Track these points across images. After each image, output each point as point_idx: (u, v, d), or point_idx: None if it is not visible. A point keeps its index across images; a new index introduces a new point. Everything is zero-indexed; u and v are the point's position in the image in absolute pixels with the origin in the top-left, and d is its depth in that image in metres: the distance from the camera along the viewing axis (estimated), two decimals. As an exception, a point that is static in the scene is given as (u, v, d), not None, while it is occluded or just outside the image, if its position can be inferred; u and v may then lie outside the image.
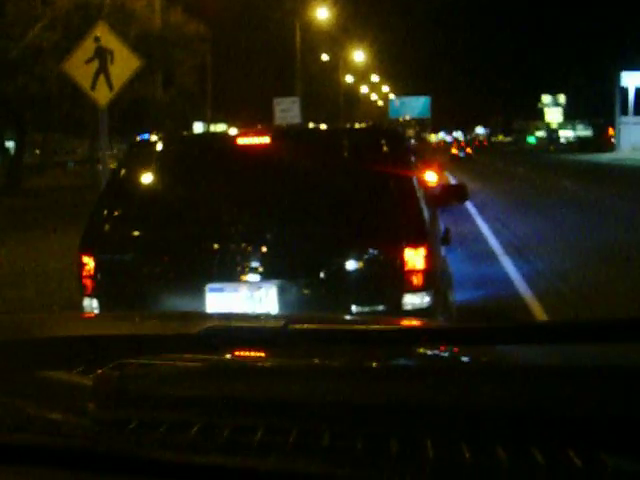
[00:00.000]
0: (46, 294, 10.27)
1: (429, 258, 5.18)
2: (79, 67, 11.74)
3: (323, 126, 7.22)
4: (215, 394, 1.51)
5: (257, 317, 2.83)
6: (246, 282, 5.20)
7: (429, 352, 1.94)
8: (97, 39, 11.66)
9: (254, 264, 5.21)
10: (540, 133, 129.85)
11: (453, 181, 25.09)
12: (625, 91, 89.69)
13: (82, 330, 2.43)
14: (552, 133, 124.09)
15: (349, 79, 74.15)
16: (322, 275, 5.24)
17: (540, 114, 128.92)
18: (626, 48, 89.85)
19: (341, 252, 5.28)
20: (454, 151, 74.51)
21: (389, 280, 5.24)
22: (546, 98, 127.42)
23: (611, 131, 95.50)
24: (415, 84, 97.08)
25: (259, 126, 6.75)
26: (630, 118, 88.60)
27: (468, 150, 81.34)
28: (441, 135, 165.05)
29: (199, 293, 5.19)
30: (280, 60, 45.83)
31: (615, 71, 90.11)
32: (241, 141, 5.86)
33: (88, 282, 5.42)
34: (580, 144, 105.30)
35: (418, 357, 1.93)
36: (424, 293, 5.17)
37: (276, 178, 5.68)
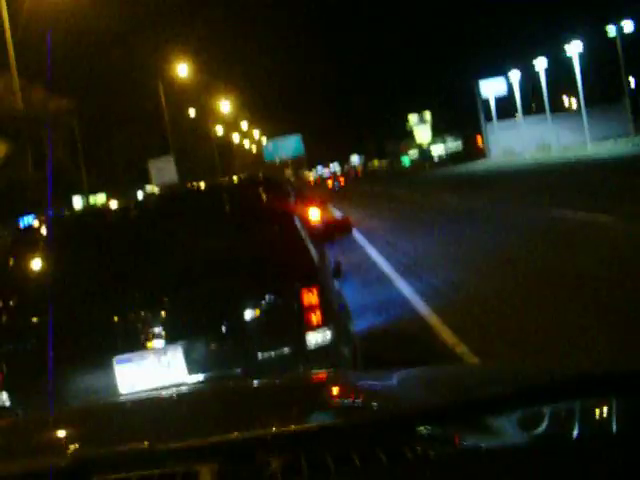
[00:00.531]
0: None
1: (323, 295, 5.37)
2: None
3: (202, 185, 7.51)
4: None
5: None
6: (152, 349, 5.25)
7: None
8: None
9: (156, 330, 5.25)
10: (413, 152, 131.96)
11: (337, 214, 25.36)
12: (486, 99, 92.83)
13: None
14: (424, 151, 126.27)
15: (220, 130, 74.43)
16: (224, 329, 5.34)
17: (410, 134, 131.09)
18: (480, 58, 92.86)
19: (238, 304, 5.39)
20: (329, 184, 75.87)
21: (289, 322, 5.36)
22: (413, 117, 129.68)
23: (479, 139, 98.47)
24: (286, 123, 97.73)
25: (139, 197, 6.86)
26: (495, 124, 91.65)
27: (341, 180, 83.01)
28: (319, 170, 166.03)
29: (108, 367, 5.23)
30: (151, 120, 45.82)
31: (473, 81, 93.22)
32: (132, 210, 6.14)
33: None
34: (452, 157, 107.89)
35: None
36: (324, 329, 5.32)
37: (164, 243, 5.83)
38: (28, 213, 35.26)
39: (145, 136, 44.37)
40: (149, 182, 28.49)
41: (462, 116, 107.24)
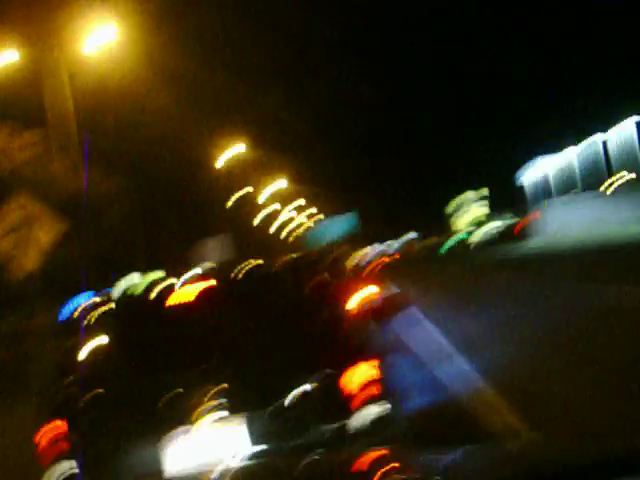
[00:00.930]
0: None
1: (380, 370, 5.67)
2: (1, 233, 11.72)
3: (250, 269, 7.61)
4: None
5: None
6: (214, 419, 5.54)
7: None
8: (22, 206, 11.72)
9: (219, 401, 5.52)
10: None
11: (394, 290, 24.96)
12: (544, 176, 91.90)
13: None
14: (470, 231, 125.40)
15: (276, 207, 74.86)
16: (282, 405, 5.59)
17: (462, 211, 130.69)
18: (538, 136, 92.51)
19: (293, 381, 5.65)
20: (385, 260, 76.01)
21: (348, 398, 5.59)
22: (469, 194, 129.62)
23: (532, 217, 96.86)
24: (341, 202, 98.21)
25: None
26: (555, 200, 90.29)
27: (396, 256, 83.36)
28: (377, 249, 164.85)
29: (163, 441, 5.56)
30: (206, 201, 46.33)
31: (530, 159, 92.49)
32: (189, 291, 6.35)
33: (63, 445, 5.69)
34: (501, 236, 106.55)
35: None
36: (383, 403, 5.56)
37: (214, 329, 6.15)
38: (82, 292, 35.71)
39: (201, 214, 44.83)
40: (205, 259, 28.57)
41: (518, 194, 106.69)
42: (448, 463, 2.55)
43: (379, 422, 5.50)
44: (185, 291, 6.39)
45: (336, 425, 5.57)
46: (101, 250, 30.26)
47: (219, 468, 4.72)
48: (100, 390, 5.95)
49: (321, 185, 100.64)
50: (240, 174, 55.88)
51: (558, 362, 11.42)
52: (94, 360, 6.30)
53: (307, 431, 5.53)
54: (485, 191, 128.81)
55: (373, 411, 5.54)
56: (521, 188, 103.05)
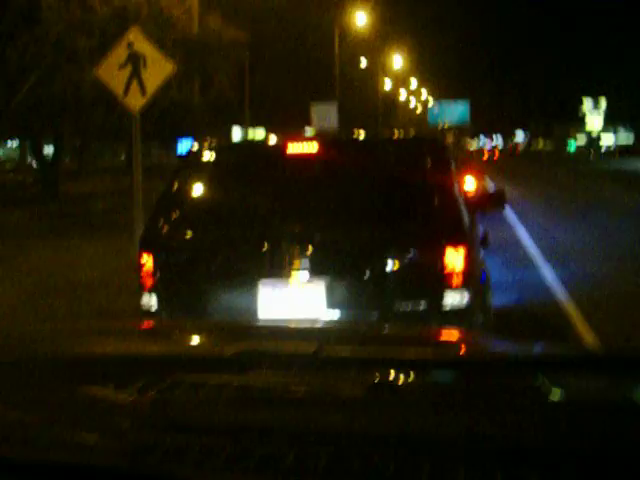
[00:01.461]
0: (83, 302, 10.26)
1: (468, 258, 5.46)
2: (112, 73, 11.69)
3: (367, 135, 7.55)
4: (245, 423, 1.59)
5: (292, 334, 2.87)
6: (296, 279, 5.56)
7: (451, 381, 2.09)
8: (130, 44, 11.59)
9: (304, 263, 5.54)
10: (581, 137, 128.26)
11: (492, 186, 24.67)
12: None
13: (116, 347, 2.49)
14: (593, 139, 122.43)
15: (387, 84, 73.86)
16: (367, 273, 5.58)
17: (581, 119, 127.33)
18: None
19: (383, 251, 5.61)
20: (485, 156, 76.47)
21: (430, 277, 5.53)
22: (587, 102, 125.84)
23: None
24: (453, 87, 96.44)
25: (304, 134, 7.31)
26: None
27: (496, 154, 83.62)
28: (481, 140, 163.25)
29: (252, 288, 5.58)
30: (318, 65, 45.72)
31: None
32: (290, 150, 6.23)
33: (147, 279, 5.88)
34: (620, 152, 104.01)
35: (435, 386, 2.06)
36: (463, 291, 5.44)
37: (323, 184, 6.11)
38: (188, 136, 35.98)
39: (312, 79, 44.34)
40: (309, 124, 28.35)
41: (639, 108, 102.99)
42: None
43: (457, 310, 5.43)
44: (304, 144, 6.24)
45: (414, 304, 5.54)
46: (208, 99, 30.21)
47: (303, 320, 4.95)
48: (192, 231, 6.04)
49: (435, 69, 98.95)
50: (357, 45, 54.89)
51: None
52: (196, 200, 6.42)
53: (385, 305, 5.54)
54: (603, 101, 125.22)
55: (453, 297, 5.45)
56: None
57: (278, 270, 5.56)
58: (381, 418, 1.60)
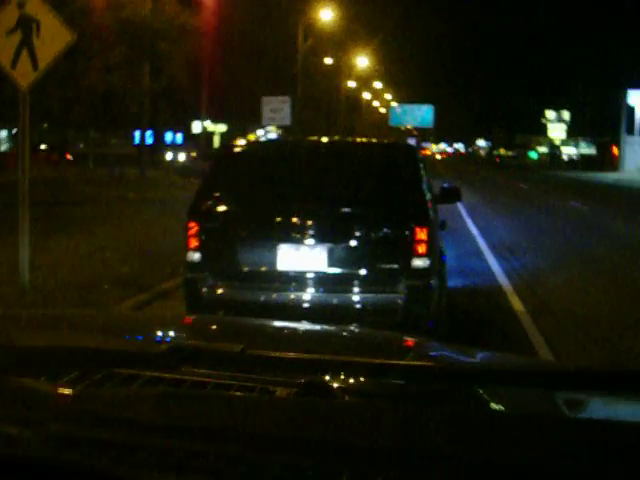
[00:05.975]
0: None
1: (430, 236, 7.38)
2: None
3: (356, 139, 11.59)
4: (171, 418, 1.59)
5: (222, 333, 3.07)
6: (306, 244, 7.48)
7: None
8: (21, 4, 9.79)
9: (312, 232, 7.46)
10: (542, 149, 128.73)
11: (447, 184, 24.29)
12: (631, 110, 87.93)
13: (52, 338, 2.53)
14: (555, 149, 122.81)
15: (352, 84, 72.67)
16: (356, 241, 7.51)
17: (543, 129, 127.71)
18: (634, 65, 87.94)
19: (370, 227, 7.54)
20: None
21: (404, 248, 7.39)
22: (550, 114, 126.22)
23: (615, 150, 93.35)
24: (419, 94, 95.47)
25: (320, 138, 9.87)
26: (636, 138, 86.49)
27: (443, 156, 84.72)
28: (442, 146, 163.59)
29: (273, 250, 7.51)
30: (281, 61, 44.41)
31: (622, 89, 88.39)
32: (304, 147, 8.98)
33: (193, 241, 7.64)
34: (583, 162, 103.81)
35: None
36: (426, 258, 7.37)
37: (328, 175, 7.96)
38: (144, 128, 34.57)
39: (276, 75, 43.06)
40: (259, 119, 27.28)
41: (601, 123, 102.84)
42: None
43: (421, 269, 7.33)
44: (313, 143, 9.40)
45: (391, 264, 7.47)
46: (160, 85, 28.64)
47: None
48: (227, 206, 7.77)
49: (400, 73, 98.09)
50: (322, 42, 53.62)
51: (591, 288, 12.30)
52: (230, 182, 8.09)
53: (369, 264, 7.44)
54: (566, 114, 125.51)
55: (419, 261, 7.32)
56: (604, 118, 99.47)
57: (292, 236, 7.47)
58: (308, 420, 1.62)
